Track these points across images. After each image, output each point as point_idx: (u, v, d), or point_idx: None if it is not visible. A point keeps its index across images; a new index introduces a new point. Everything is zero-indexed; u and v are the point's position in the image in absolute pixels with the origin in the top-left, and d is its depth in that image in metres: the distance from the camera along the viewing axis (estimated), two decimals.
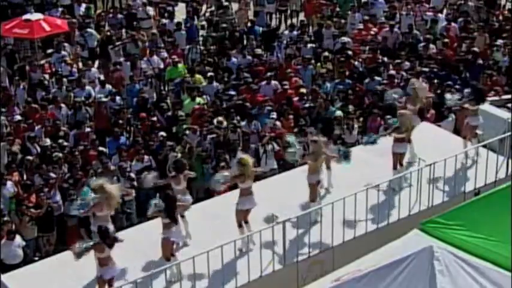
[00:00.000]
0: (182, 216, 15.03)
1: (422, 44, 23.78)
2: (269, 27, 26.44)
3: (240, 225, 14.95)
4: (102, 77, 23.33)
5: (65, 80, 22.48)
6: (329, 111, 20.37)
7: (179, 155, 18.81)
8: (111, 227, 14.22)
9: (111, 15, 26.43)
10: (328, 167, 16.43)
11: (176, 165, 15.73)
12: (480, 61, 22.62)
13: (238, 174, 14.83)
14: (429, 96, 18.73)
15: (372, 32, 24.74)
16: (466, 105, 17.30)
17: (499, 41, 23.64)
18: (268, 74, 22.47)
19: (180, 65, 23.27)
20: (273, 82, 22.09)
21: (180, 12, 27.64)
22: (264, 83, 22.08)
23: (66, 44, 24.45)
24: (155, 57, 23.65)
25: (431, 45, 23.66)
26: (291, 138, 16.11)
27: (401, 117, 16.46)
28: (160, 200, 14.33)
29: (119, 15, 26.34)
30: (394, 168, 16.50)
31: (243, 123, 20.27)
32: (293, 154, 15.81)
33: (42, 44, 25.08)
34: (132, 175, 18.48)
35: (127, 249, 14.54)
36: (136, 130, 20.39)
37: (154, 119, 20.52)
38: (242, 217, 14.99)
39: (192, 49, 24.44)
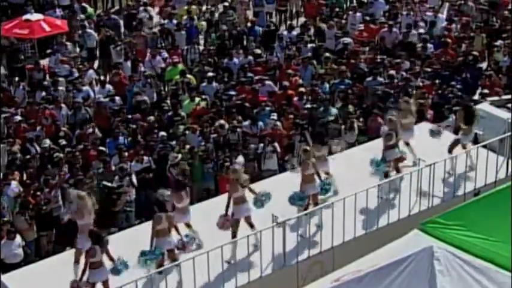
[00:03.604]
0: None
1: (420, 44, 23.80)
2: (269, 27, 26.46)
3: (234, 235, 14.88)
4: (101, 78, 23.37)
5: (63, 80, 22.45)
6: (328, 112, 20.37)
7: (179, 155, 18.81)
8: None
9: (106, 16, 26.43)
10: (327, 174, 16.39)
11: (178, 184, 15.43)
12: (480, 65, 22.62)
13: (232, 181, 14.88)
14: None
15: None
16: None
17: (499, 42, 23.64)
18: (265, 75, 22.49)
19: (179, 66, 23.24)
20: (267, 83, 22.08)
21: None
22: (259, 84, 22.06)
23: (68, 43, 24.48)
24: (157, 57, 23.64)
25: (429, 45, 23.70)
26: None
27: (390, 124, 16.50)
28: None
29: (113, 16, 26.34)
30: (386, 176, 16.30)
31: (245, 123, 20.25)
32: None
33: (41, 45, 25.09)
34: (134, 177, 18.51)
35: (127, 249, 14.54)
36: (138, 130, 20.32)
37: (152, 118, 20.48)
38: (237, 227, 14.95)
39: (190, 49, 24.44)
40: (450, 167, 16.76)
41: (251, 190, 15.14)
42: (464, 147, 17.00)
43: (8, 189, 17.84)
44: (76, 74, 23.02)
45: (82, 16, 26.24)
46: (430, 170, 16.07)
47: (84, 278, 13.78)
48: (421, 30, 24.92)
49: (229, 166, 17.58)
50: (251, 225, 15.00)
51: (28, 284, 14.52)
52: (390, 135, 16.36)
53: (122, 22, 26.36)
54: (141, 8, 26.52)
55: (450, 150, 17.00)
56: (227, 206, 14.91)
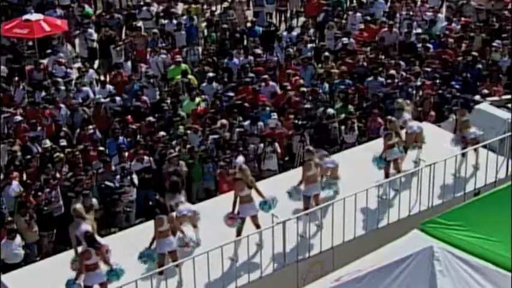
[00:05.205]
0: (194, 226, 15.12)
1: (421, 44, 23.80)
2: (269, 27, 26.45)
3: (239, 234, 14.91)
4: (101, 78, 23.32)
5: (61, 81, 22.43)
6: (327, 113, 20.36)
7: (173, 152, 18.74)
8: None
9: (107, 16, 26.39)
10: (336, 177, 16.40)
11: (171, 187, 15.24)
12: (479, 65, 22.61)
13: (238, 180, 14.89)
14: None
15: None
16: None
17: (497, 42, 23.61)
18: (266, 75, 22.49)
19: (183, 65, 23.18)
20: (271, 83, 22.07)
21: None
22: (263, 84, 22.06)
23: (69, 44, 24.45)
24: (161, 57, 23.62)
25: (429, 45, 23.71)
26: None
27: (390, 124, 16.50)
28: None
29: (116, 15, 26.31)
30: (386, 176, 16.40)
31: (246, 123, 20.23)
32: None
33: (41, 45, 25.07)
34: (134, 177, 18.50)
35: (127, 249, 14.54)
36: (138, 130, 20.30)
37: (151, 119, 20.47)
38: (243, 226, 14.95)
39: (190, 51, 24.38)
40: (459, 165, 16.79)
41: (259, 192, 15.14)
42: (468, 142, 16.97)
43: (9, 189, 17.84)
44: (71, 75, 22.99)
45: (81, 15, 26.24)
46: (430, 170, 16.07)
47: (80, 281, 13.76)
48: (419, 30, 24.92)
49: (228, 170, 17.56)
50: (257, 226, 15.01)
51: (28, 284, 14.52)
52: (390, 134, 16.37)
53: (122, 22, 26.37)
54: (144, 8, 26.47)
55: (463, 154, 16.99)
56: (234, 204, 14.92)
